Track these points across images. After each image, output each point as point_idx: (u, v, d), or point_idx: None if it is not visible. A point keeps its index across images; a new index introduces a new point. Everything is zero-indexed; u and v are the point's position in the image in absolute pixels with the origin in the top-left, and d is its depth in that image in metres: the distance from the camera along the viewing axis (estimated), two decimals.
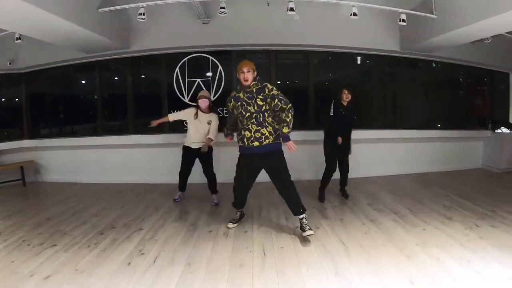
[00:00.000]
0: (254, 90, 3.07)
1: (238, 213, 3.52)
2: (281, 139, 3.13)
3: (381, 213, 3.68)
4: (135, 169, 5.49)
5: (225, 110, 3.42)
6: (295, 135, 4.96)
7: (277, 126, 3.12)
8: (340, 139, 4.00)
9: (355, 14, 4.14)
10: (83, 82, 5.95)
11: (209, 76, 5.29)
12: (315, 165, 4.84)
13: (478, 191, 4.50)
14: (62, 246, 3.00)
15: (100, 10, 4.15)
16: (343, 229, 3.25)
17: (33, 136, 5.88)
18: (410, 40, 5.11)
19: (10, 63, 5.61)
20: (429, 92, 6.05)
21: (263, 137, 3.05)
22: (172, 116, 4.22)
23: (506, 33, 4.67)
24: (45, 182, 5.84)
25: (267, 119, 3.06)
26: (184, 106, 5.18)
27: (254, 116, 3.04)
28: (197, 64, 5.28)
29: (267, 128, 3.07)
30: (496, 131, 6.07)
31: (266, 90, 3.04)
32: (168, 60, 5.34)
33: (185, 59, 5.26)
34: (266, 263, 2.57)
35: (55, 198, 4.74)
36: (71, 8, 3.70)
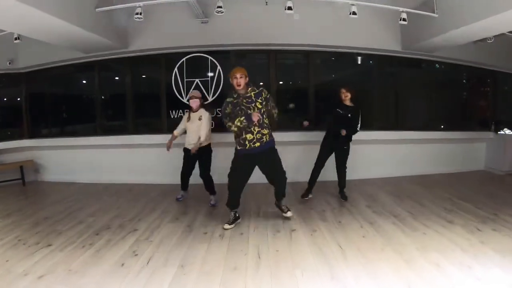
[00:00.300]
0: (252, 94, 3.28)
1: (233, 213, 3.50)
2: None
3: (380, 216, 3.63)
4: (133, 169, 5.46)
5: (222, 116, 3.36)
6: (294, 136, 4.97)
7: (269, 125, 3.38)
8: (344, 131, 3.98)
9: (354, 13, 4.09)
10: (83, 82, 5.95)
11: (209, 76, 5.26)
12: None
13: (480, 194, 4.42)
14: (58, 245, 3.00)
15: (97, 10, 4.13)
16: (341, 232, 3.20)
17: (33, 135, 5.88)
18: (411, 40, 5.05)
19: (10, 63, 5.62)
20: (431, 93, 5.97)
21: (263, 137, 3.29)
22: (177, 131, 4.26)
23: (509, 32, 4.59)
24: (45, 181, 5.85)
25: (265, 121, 3.31)
26: (182, 106, 5.19)
27: None
28: (196, 64, 5.26)
29: (266, 129, 3.31)
30: (499, 132, 5.98)
31: (263, 94, 3.31)
32: (166, 60, 5.31)
33: (184, 59, 5.23)
34: (261, 266, 2.53)
35: (53, 198, 4.74)
36: (68, 8, 3.68)
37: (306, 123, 4.13)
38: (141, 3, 4.01)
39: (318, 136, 4.37)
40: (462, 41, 4.70)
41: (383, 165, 5.53)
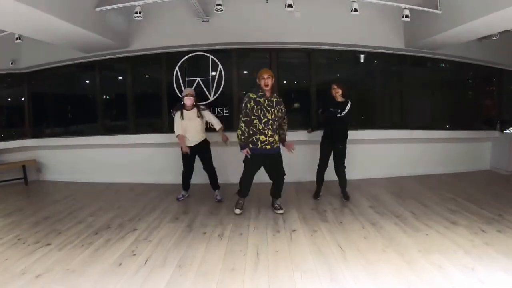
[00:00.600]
0: (274, 100, 3.56)
1: (242, 200, 3.83)
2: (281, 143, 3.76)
3: (382, 216, 3.57)
4: (135, 169, 5.46)
5: (243, 109, 3.56)
6: (296, 135, 4.91)
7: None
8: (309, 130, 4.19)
9: (356, 10, 4.04)
10: (84, 81, 5.95)
11: (211, 76, 5.23)
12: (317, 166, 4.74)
13: (485, 194, 4.34)
14: (57, 245, 2.99)
15: (97, 9, 4.12)
16: (341, 232, 3.15)
17: (35, 135, 5.91)
18: (415, 37, 4.97)
19: (12, 63, 5.64)
20: (436, 91, 5.89)
21: (274, 141, 3.58)
22: (177, 130, 4.09)
23: None
24: (47, 181, 5.87)
25: (276, 126, 3.62)
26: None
27: (270, 123, 3.51)
28: (197, 63, 5.23)
29: (277, 135, 3.64)
30: (504, 131, 5.88)
31: (282, 105, 3.62)
32: (167, 59, 5.29)
33: (185, 58, 5.20)
34: (259, 267, 2.49)
35: (54, 197, 4.75)
36: (68, 7, 3.67)
37: (310, 130, 4.26)
38: (140, 2, 3.99)
39: (320, 136, 4.32)
40: (466, 38, 4.63)
41: (387, 164, 5.46)
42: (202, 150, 4.17)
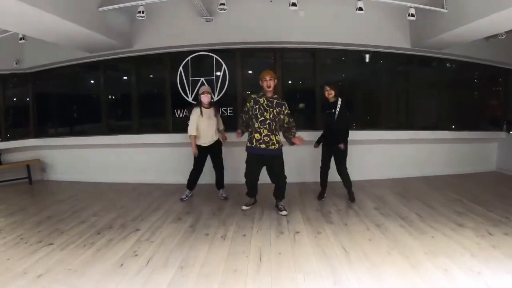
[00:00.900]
0: (275, 101, 3.60)
1: (252, 199, 3.99)
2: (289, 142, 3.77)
3: (387, 218, 3.52)
4: (138, 169, 5.46)
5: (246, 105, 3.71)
6: (304, 136, 4.87)
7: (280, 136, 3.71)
8: (315, 144, 4.13)
9: (360, 9, 3.99)
10: (88, 81, 5.97)
11: (215, 75, 5.20)
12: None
13: (491, 196, 4.28)
14: (59, 245, 2.99)
15: (100, 9, 4.12)
16: (346, 234, 3.11)
17: (39, 135, 5.93)
18: (421, 37, 4.90)
19: (16, 63, 5.67)
20: (441, 91, 5.82)
21: (270, 142, 3.57)
22: (192, 130, 4.07)
23: None
24: (51, 180, 5.89)
25: (276, 128, 3.62)
26: (187, 105, 5.14)
27: (267, 122, 3.54)
28: (201, 63, 5.21)
29: (276, 136, 3.61)
30: (511, 132, 5.79)
31: (283, 107, 3.64)
32: (171, 59, 5.28)
33: (189, 58, 5.19)
34: (262, 269, 2.46)
35: (58, 197, 4.76)
36: (71, 7, 3.67)
37: (316, 145, 4.20)
38: (143, 2, 3.97)
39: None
40: (473, 37, 4.56)
41: (392, 165, 5.40)
42: (214, 150, 4.21)
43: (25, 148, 5.82)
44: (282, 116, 3.62)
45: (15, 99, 6.17)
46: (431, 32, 4.65)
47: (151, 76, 5.79)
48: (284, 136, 3.77)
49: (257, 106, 3.56)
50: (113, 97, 5.82)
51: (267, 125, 3.54)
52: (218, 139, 4.26)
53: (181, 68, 5.22)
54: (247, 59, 5.29)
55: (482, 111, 6.18)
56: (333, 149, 4.05)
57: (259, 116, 3.55)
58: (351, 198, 4.17)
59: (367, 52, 5.33)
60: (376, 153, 5.30)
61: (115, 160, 5.56)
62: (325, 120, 4.15)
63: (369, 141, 5.14)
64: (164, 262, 2.61)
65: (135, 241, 3.03)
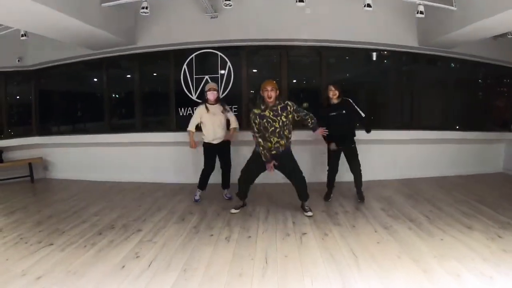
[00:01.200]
0: (279, 108, 3.53)
1: (241, 202, 3.87)
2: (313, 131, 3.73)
3: (396, 220, 3.44)
4: (141, 168, 5.40)
5: (251, 126, 3.62)
6: (303, 135, 4.80)
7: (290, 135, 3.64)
8: (333, 145, 3.95)
9: (369, 6, 3.91)
10: (91, 79, 5.91)
11: (219, 73, 5.12)
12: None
13: (499, 197, 4.18)
14: (59, 245, 2.94)
15: (103, 5, 4.06)
16: (354, 237, 3.03)
17: (42, 133, 5.89)
18: (429, 35, 4.81)
19: (19, 61, 5.62)
20: (448, 91, 5.71)
21: (280, 147, 3.56)
22: (192, 127, 4.13)
23: None
24: (53, 179, 5.85)
25: (285, 132, 3.56)
26: (191, 103, 5.08)
27: (277, 131, 3.52)
28: (205, 61, 5.14)
29: (284, 140, 3.56)
30: None
31: (289, 107, 3.55)
32: (175, 56, 5.21)
33: (193, 55, 5.11)
34: (268, 272, 2.39)
35: (60, 196, 4.72)
36: (73, 3, 3.62)
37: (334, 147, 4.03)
38: None
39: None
40: (482, 35, 4.46)
41: (399, 166, 5.31)
42: (223, 149, 4.16)
43: (27, 146, 5.79)
44: (290, 116, 3.57)
45: (17, 96, 6.14)
46: (439, 30, 4.56)
47: (154, 73, 5.73)
48: (305, 125, 3.74)
49: (264, 120, 3.51)
50: (116, 95, 5.77)
51: (276, 133, 3.52)
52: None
53: (185, 65, 5.14)
54: (252, 57, 5.22)
55: (489, 112, 6.07)
56: (346, 148, 3.98)
57: (268, 128, 3.52)
58: (361, 197, 4.09)
59: (375, 50, 5.22)
60: (384, 153, 5.21)
61: (118, 159, 5.50)
62: (333, 122, 3.90)
63: (376, 141, 5.04)
64: (167, 264, 2.55)
65: (137, 242, 2.97)
